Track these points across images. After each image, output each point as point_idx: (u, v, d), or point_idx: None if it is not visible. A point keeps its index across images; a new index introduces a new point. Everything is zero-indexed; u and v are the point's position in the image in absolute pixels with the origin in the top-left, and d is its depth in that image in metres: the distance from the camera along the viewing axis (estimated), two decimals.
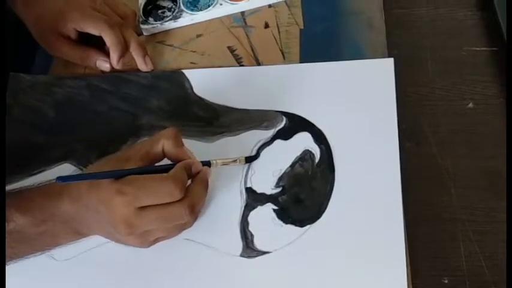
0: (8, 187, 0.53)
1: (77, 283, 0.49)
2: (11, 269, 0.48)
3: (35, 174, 0.55)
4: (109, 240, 0.49)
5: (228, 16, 0.65)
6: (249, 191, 0.52)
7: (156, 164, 0.48)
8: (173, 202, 0.44)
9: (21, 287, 0.49)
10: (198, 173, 0.48)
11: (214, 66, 0.61)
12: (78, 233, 0.48)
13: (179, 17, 0.65)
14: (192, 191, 0.46)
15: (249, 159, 0.53)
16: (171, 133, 0.47)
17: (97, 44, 0.61)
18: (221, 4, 0.65)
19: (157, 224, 0.45)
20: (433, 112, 0.56)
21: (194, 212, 0.46)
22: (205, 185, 0.48)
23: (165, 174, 0.45)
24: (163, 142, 0.47)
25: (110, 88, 0.60)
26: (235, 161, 0.51)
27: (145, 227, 0.45)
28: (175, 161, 0.47)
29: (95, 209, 0.45)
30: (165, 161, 0.48)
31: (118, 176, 0.44)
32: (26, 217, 0.45)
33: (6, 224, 0.44)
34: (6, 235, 0.44)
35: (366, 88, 0.57)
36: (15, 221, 0.45)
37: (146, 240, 0.46)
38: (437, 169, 0.53)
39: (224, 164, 0.50)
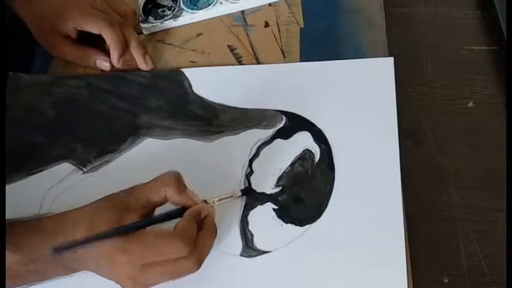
0: (11, 188, 0.53)
1: (76, 280, 0.49)
2: None
3: (34, 173, 0.55)
4: None
5: (228, 15, 0.65)
6: (249, 190, 0.52)
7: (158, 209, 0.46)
8: (181, 257, 0.43)
9: None
10: (206, 216, 0.46)
11: (214, 65, 0.61)
12: (70, 270, 0.46)
13: (179, 16, 0.65)
14: (201, 242, 0.44)
15: (245, 192, 0.51)
16: (172, 179, 0.45)
17: (97, 43, 0.61)
18: (221, 3, 0.65)
19: (164, 279, 0.44)
20: (433, 111, 0.56)
21: (201, 263, 0.44)
22: (214, 233, 0.46)
23: (171, 231, 0.43)
24: (165, 189, 0.45)
25: (110, 87, 0.60)
26: (231, 196, 0.49)
27: (151, 281, 0.43)
28: (180, 205, 0.46)
29: (94, 258, 0.43)
30: None
31: (122, 233, 0.42)
32: (15, 255, 0.43)
33: None
34: None
35: (365, 87, 0.57)
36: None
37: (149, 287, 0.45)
38: (437, 168, 0.53)
39: (220, 201, 0.48)
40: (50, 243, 0.43)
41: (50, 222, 0.45)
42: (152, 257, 0.42)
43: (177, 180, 0.45)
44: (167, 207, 0.46)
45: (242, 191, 0.51)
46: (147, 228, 0.44)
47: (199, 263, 0.44)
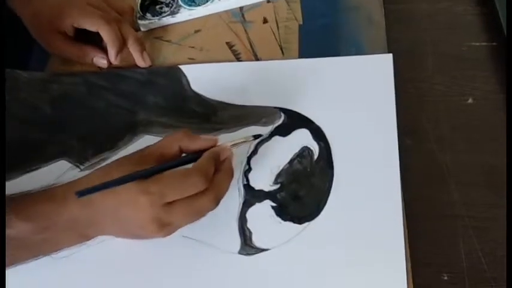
0: (7, 186, 0.53)
1: (75, 281, 0.49)
2: (9, 269, 0.46)
3: (32, 171, 0.55)
4: (115, 237, 0.48)
5: (226, 11, 0.65)
6: (247, 187, 0.52)
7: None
8: (199, 193, 0.44)
9: (19, 286, 0.49)
10: (224, 159, 0.47)
11: (213, 61, 0.61)
12: (83, 237, 0.47)
13: (177, 13, 0.65)
14: (218, 181, 0.45)
15: (257, 136, 0.52)
16: (182, 133, 0.47)
17: (94, 40, 0.60)
18: None
19: (186, 218, 0.45)
20: (433, 108, 0.56)
21: (219, 201, 0.46)
22: (231, 175, 0.47)
23: (189, 168, 0.44)
24: (178, 143, 0.46)
25: (107, 84, 0.60)
26: (244, 141, 0.50)
27: (175, 221, 0.44)
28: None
29: (112, 213, 0.44)
30: None
31: (143, 177, 0.43)
32: (28, 224, 0.44)
33: (8, 230, 0.43)
34: (7, 241, 0.43)
35: (365, 84, 0.56)
36: (16, 228, 0.43)
37: (172, 232, 0.46)
38: (436, 165, 0.53)
39: (234, 145, 0.49)
40: (62, 209, 0.44)
41: (61, 189, 0.46)
42: (172, 194, 0.43)
43: (187, 133, 0.47)
44: None
45: (254, 136, 0.51)
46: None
47: (216, 200, 0.45)
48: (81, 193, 0.41)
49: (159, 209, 0.43)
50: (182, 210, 0.44)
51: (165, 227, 0.44)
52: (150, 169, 0.44)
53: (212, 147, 0.47)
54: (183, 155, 0.47)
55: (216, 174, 0.45)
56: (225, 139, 0.54)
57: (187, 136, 0.47)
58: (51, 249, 0.47)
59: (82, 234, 0.46)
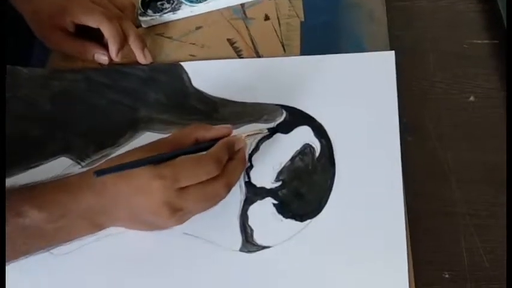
0: (13, 181, 0.53)
1: (75, 278, 0.49)
2: (10, 265, 0.46)
3: (33, 167, 0.55)
4: (130, 230, 0.48)
5: (227, 8, 0.65)
6: (249, 185, 0.52)
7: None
8: (211, 179, 0.44)
9: (19, 283, 0.49)
10: (239, 149, 0.48)
11: (214, 58, 0.60)
12: (96, 226, 0.47)
13: (178, 9, 0.64)
14: (230, 168, 0.46)
15: (271, 130, 0.53)
16: (197, 126, 0.48)
17: (95, 37, 0.60)
18: None
19: (198, 203, 0.45)
20: (434, 105, 0.56)
21: (230, 188, 0.46)
22: (244, 163, 0.48)
23: (202, 153, 0.45)
24: (194, 134, 0.47)
25: (108, 81, 0.60)
26: (259, 132, 0.52)
27: (187, 207, 0.45)
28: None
29: (125, 200, 0.44)
30: None
31: (159, 161, 0.44)
32: (42, 213, 0.44)
33: (22, 219, 0.43)
34: (21, 230, 0.43)
35: (366, 81, 0.56)
36: (31, 217, 0.44)
37: (184, 219, 0.46)
38: (438, 163, 0.53)
39: (248, 136, 0.50)
40: (78, 197, 0.45)
41: (75, 178, 0.46)
42: (184, 179, 0.43)
43: (200, 124, 0.48)
44: None
45: (268, 129, 0.53)
46: None
47: (228, 186, 0.46)
48: (99, 173, 0.42)
49: (171, 193, 0.43)
50: (194, 196, 0.44)
51: (176, 213, 0.44)
52: (165, 154, 0.44)
53: (226, 135, 0.48)
54: None
55: (229, 162, 0.46)
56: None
57: (201, 127, 0.48)
58: (64, 238, 0.47)
59: (95, 224, 0.46)
